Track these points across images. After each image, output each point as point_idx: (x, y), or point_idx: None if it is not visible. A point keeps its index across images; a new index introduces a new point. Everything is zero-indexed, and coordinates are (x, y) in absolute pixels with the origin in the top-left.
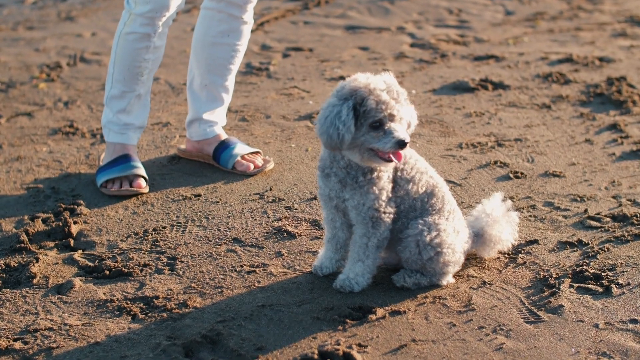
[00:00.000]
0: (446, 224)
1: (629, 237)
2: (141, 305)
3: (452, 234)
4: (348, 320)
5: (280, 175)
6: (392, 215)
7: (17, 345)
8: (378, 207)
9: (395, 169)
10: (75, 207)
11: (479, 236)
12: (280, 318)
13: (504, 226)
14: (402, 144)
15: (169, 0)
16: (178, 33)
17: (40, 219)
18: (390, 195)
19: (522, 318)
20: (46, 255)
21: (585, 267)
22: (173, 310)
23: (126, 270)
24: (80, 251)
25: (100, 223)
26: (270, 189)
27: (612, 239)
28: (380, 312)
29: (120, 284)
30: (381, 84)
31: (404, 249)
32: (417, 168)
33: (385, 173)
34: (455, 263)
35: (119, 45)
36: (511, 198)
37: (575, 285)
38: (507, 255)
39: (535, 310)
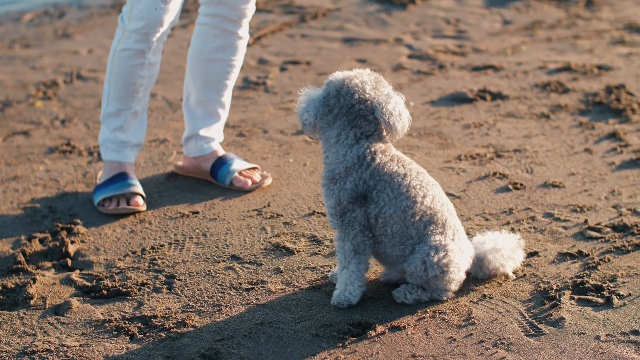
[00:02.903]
0: (453, 245)
1: (629, 247)
2: (139, 324)
3: (459, 254)
4: (347, 337)
5: (279, 190)
6: (358, 224)
7: None
8: (333, 212)
9: (369, 187)
10: (73, 226)
11: (480, 260)
12: (279, 335)
13: (508, 260)
14: None
15: (163, 16)
16: (175, 49)
17: (37, 239)
18: (350, 206)
19: (522, 331)
20: (43, 275)
21: (585, 279)
22: (171, 330)
23: (124, 290)
24: (77, 271)
25: (98, 242)
26: (268, 205)
27: (612, 249)
28: (379, 328)
29: (118, 303)
30: None
31: (409, 264)
32: (407, 196)
33: (346, 180)
34: (458, 281)
35: (114, 62)
36: (510, 210)
37: (576, 297)
38: None
39: (536, 323)
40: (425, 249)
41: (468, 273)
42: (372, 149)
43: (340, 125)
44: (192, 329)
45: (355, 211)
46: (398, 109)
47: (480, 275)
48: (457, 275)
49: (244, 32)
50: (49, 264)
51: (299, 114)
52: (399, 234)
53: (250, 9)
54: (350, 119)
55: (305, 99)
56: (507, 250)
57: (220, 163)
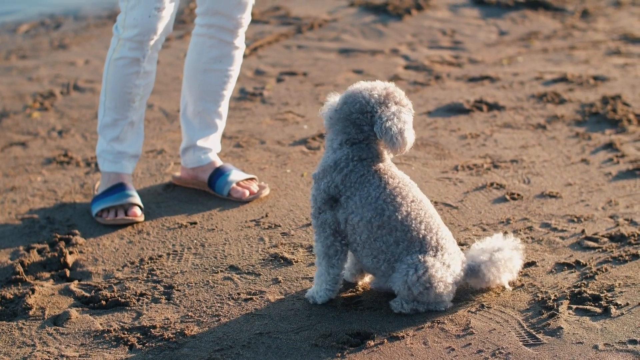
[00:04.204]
0: (433, 261)
1: (626, 257)
2: (138, 335)
3: (442, 268)
4: (346, 347)
5: (276, 201)
6: (329, 228)
7: None
8: (312, 213)
9: (339, 192)
10: (71, 237)
11: (474, 271)
12: (278, 346)
13: (503, 272)
14: None
15: (157, 23)
16: (171, 59)
17: (35, 250)
18: (323, 207)
19: (521, 341)
20: (42, 286)
21: (583, 288)
22: (170, 340)
23: (123, 300)
24: (76, 281)
25: (96, 253)
26: (266, 216)
27: (610, 259)
28: (378, 338)
29: (117, 314)
30: None
31: (394, 284)
32: (375, 207)
33: (322, 181)
34: (449, 293)
35: (109, 71)
36: (508, 220)
37: (574, 306)
38: None
39: (534, 333)
40: (404, 268)
41: (466, 283)
42: (351, 156)
43: (335, 131)
44: (191, 339)
45: (326, 213)
46: (399, 127)
47: (477, 286)
48: (445, 289)
49: (240, 42)
50: (47, 275)
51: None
52: (368, 244)
53: (246, 18)
54: (345, 125)
55: (328, 102)
56: (502, 262)
57: (218, 174)
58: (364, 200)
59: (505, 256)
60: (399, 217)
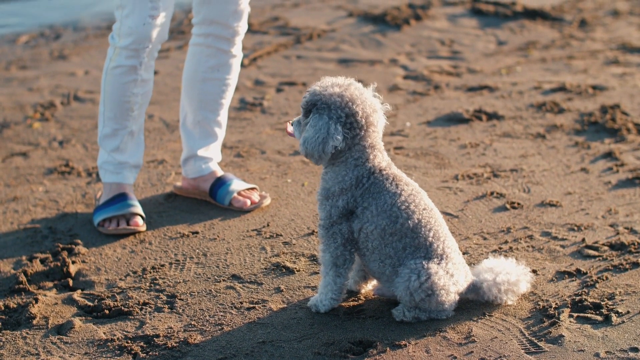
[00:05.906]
0: (437, 268)
1: (627, 266)
2: (142, 344)
3: (445, 277)
4: (349, 355)
5: (277, 210)
6: (340, 237)
7: None
8: (322, 224)
9: (357, 204)
10: (73, 246)
11: (476, 288)
12: (281, 354)
13: (505, 294)
14: None
15: (151, 31)
16: (171, 69)
17: (38, 260)
18: (338, 220)
19: (522, 349)
20: (45, 295)
21: (584, 297)
22: (174, 349)
23: (126, 309)
24: (79, 291)
25: (99, 262)
26: (268, 225)
27: (610, 267)
28: (380, 346)
29: (120, 323)
30: None
31: (397, 289)
32: (389, 215)
33: (339, 198)
34: (451, 302)
35: (107, 81)
36: (508, 229)
37: (575, 314)
38: None
39: (536, 341)
40: (406, 272)
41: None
42: (373, 170)
43: (360, 148)
44: (194, 347)
45: (341, 224)
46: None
47: (478, 299)
48: (447, 297)
49: (237, 50)
50: (50, 284)
51: None
52: (378, 250)
53: (243, 26)
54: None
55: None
56: (505, 285)
57: (219, 183)
58: (379, 209)
59: (510, 280)
60: (411, 225)
